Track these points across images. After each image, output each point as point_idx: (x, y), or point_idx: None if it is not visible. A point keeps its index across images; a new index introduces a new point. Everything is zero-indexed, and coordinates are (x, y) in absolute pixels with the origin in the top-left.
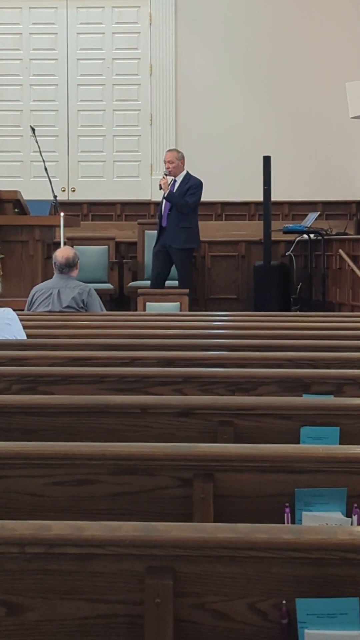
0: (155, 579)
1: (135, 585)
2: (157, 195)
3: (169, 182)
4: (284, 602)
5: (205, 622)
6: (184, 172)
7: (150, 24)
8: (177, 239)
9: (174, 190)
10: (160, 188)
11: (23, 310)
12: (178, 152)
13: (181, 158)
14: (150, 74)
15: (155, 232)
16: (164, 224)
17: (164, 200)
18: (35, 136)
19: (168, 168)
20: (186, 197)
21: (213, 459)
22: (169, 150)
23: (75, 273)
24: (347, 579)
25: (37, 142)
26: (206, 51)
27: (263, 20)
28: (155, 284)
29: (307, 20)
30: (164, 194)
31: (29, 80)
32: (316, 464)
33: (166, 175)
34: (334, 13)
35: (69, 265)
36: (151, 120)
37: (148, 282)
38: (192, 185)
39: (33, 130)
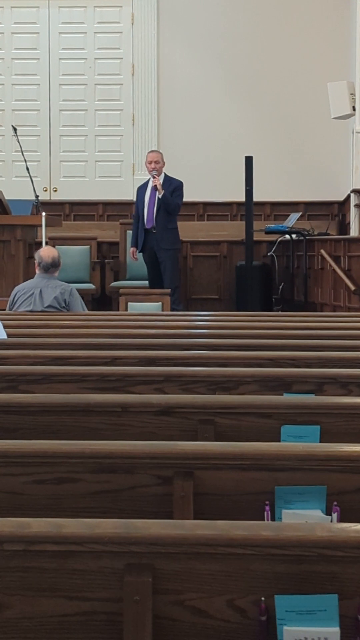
0: (134, 576)
1: (114, 583)
2: None
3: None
4: (263, 599)
5: (184, 619)
6: (163, 174)
7: (133, 23)
8: (166, 240)
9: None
10: (156, 189)
11: (4, 310)
12: (160, 152)
13: (164, 159)
14: (133, 74)
15: (131, 232)
16: (148, 225)
17: (148, 201)
18: (17, 136)
19: (154, 168)
20: (174, 198)
21: (193, 457)
22: (152, 151)
23: (57, 273)
24: (326, 576)
25: (18, 141)
26: (188, 51)
27: (245, 21)
28: (155, 287)
29: (289, 20)
30: (157, 194)
31: (10, 80)
32: (296, 462)
33: (154, 176)
34: (316, 13)
35: (55, 265)
36: (133, 120)
37: (130, 282)
38: (177, 187)
39: (15, 129)
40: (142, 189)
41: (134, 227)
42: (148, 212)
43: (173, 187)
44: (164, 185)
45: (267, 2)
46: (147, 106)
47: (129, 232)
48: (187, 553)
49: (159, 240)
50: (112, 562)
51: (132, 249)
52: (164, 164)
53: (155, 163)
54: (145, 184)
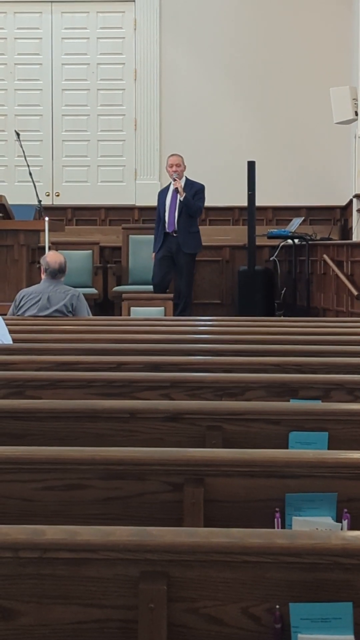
0: (149, 583)
1: (129, 590)
2: (141, 200)
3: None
4: (277, 606)
5: (199, 627)
6: (184, 178)
7: (135, 29)
8: (189, 243)
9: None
10: (177, 192)
11: (6, 314)
12: (181, 156)
13: (184, 163)
14: (135, 79)
15: (152, 237)
16: (170, 229)
17: (169, 205)
18: (19, 141)
19: (176, 171)
20: (196, 201)
21: (203, 463)
22: (173, 155)
23: (63, 278)
24: (340, 584)
25: (21, 146)
26: (190, 56)
27: (248, 26)
28: (160, 289)
29: (292, 25)
30: (179, 197)
31: (13, 85)
32: (306, 469)
33: (176, 179)
34: (319, 18)
35: (61, 271)
36: (135, 125)
37: (132, 287)
38: (199, 190)
39: (18, 134)
40: (163, 193)
41: (156, 232)
42: (169, 216)
43: (195, 190)
44: (185, 188)
45: (269, 8)
46: (149, 111)
47: (132, 237)
48: (202, 561)
49: (182, 243)
50: (127, 569)
51: (153, 254)
52: (185, 167)
53: (177, 166)
54: (167, 188)
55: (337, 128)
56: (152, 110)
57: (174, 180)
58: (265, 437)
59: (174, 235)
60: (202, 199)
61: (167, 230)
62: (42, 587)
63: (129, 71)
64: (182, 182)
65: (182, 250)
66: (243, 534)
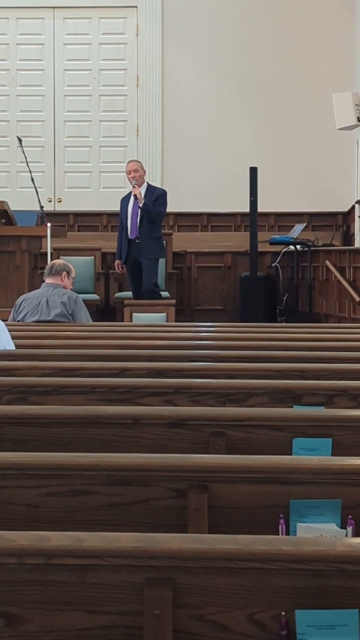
0: (155, 590)
1: (134, 597)
2: None
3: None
4: (283, 613)
5: (204, 634)
6: (145, 184)
7: (137, 35)
8: (151, 250)
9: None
10: (136, 198)
11: (7, 320)
12: (139, 162)
13: (144, 168)
14: (137, 85)
15: (117, 243)
16: (132, 235)
17: (131, 212)
18: (21, 147)
19: (134, 177)
20: (157, 206)
21: (207, 470)
22: (131, 161)
23: (65, 284)
24: (346, 591)
25: (23, 152)
26: (193, 62)
27: (250, 32)
28: (137, 297)
29: (294, 31)
30: (138, 204)
31: (15, 91)
32: (311, 476)
33: (134, 185)
34: (322, 25)
35: (52, 272)
36: (137, 131)
37: None
38: (161, 195)
39: (20, 140)
40: (125, 200)
41: (119, 239)
42: (132, 222)
43: (156, 195)
44: (146, 194)
45: (271, 14)
46: (151, 117)
47: None
48: (207, 567)
49: (143, 249)
50: (132, 576)
51: (117, 261)
52: (144, 172)
53: (134, 172)
54: (128, 195)
55: (339, 134)
56: (154, 116)
57: (133, 186)
58: (268, 443)
59: (137, 242)
60: (163, 204)
61: (130, 237)
62: (47, 594)
63: (131, 77)
64: (144, 187)
65: (145, 255)
66: (248, 540)
